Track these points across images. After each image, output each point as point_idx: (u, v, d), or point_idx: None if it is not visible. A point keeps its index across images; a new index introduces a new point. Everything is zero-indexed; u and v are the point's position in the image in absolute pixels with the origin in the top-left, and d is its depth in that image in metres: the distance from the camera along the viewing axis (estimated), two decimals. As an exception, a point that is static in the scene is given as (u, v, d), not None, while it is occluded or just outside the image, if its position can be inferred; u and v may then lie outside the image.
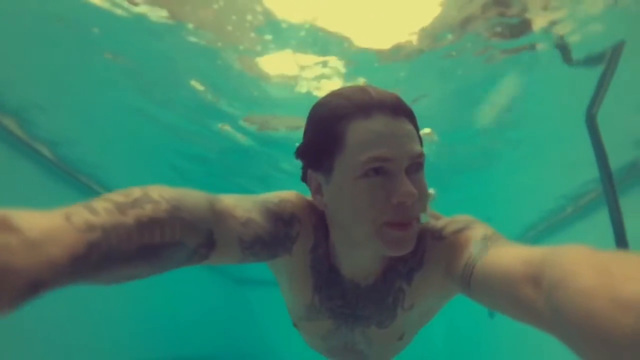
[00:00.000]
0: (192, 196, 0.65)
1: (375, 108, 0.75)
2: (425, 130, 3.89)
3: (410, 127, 0.78)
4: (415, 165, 0.77)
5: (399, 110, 0.77)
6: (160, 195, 0.59)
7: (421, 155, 0.77)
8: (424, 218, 0.88)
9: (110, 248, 0.50)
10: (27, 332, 3.62)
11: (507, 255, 0.65)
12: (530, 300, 0.57)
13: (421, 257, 0.87)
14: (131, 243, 0.53)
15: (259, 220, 0.79)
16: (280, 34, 2.89)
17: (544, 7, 2.55)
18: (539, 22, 2.65)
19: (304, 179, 0.88)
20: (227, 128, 4.35)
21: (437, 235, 0.85)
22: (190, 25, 2.82)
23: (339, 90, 0.81)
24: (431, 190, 1.01)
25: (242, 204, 0.78)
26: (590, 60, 2.61)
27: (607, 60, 2.41)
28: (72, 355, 4.25)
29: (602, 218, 1.91)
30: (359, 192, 0.75)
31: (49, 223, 0.43)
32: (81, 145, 4.46)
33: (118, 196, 0.56)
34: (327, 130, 0.78)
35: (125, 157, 4.89)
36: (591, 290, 0.43)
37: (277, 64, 3.24)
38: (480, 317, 5.13)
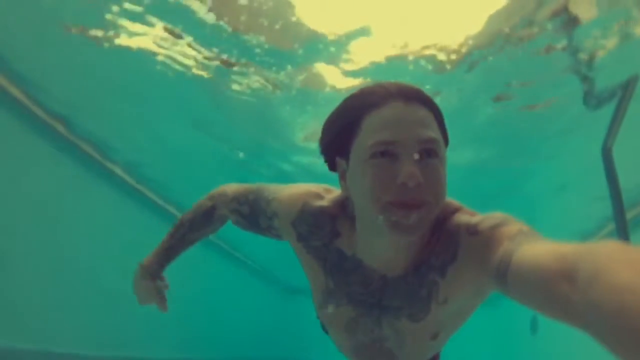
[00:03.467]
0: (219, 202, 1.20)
1: (388, 97, 0.81)
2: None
3: (425, 112, 0.81)
4: (427, 150, 0.79)
5: (412, 97, 0.81)
6: (190, 220, 1.25)
7: (431, 140, 0.79)
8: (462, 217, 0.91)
9: (175, 248, 1.29)
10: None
11: (542, 251, 0.66)
12: (565, 296, 0.57)
13: (455, 251, 0.88)
14: (183, 241, 1.29)
15: (244, 211, 1.12)
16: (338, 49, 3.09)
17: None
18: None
19: (332, 168, 0.95)
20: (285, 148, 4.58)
21: (472, 231, 0.86)
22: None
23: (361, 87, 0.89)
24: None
25: (244, 199, 1.12)
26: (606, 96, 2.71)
27: (620, 94, 2.50)
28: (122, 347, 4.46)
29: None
30: (366, 172, 0.80)
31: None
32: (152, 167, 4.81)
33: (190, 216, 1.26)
34: (345, 120, 0.86)
35: (188, 171, 5.21)
36: (625, 285, 0.43)
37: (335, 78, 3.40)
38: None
